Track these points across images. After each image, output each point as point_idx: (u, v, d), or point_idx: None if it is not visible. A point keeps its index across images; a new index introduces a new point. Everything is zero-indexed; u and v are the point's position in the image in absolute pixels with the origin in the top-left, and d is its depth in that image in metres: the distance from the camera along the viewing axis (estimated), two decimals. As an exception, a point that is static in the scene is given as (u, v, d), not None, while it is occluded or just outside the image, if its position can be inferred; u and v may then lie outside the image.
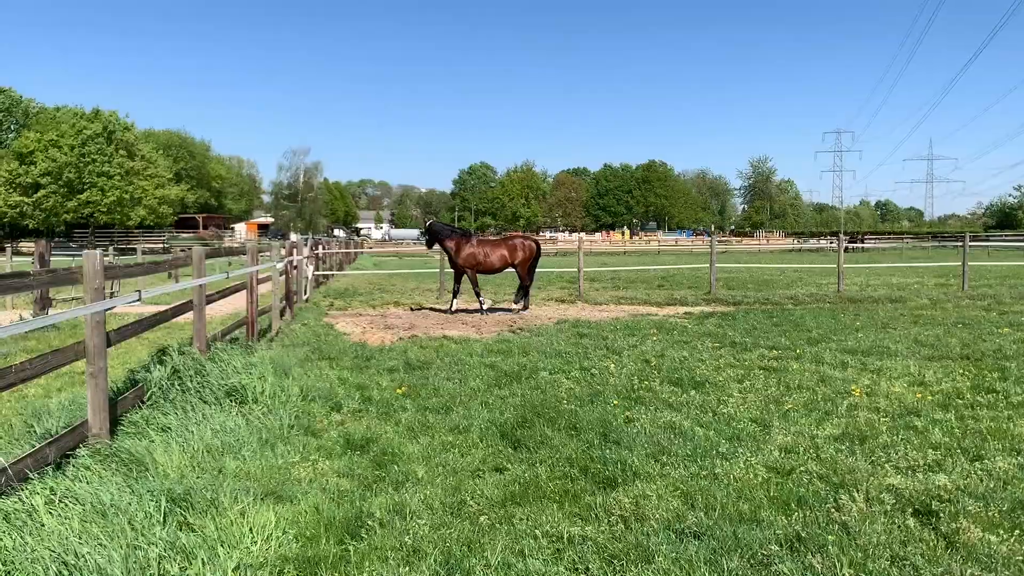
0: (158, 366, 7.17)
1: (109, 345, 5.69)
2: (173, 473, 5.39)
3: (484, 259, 17.77)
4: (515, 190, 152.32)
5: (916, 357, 10.89)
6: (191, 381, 7.32)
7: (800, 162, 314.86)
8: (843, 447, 6.41)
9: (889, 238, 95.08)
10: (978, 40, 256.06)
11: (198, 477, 5.44)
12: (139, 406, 6.56)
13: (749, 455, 6.17)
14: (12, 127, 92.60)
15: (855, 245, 71.01)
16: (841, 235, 26.69)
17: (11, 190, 78.96)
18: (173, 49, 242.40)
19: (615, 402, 8.02)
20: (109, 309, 5.77)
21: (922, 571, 4.09)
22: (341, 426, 7.37)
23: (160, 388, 6.94)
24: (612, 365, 10.24)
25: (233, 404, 7.15)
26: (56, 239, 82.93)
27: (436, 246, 18.89)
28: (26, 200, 78.68)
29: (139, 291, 5.55)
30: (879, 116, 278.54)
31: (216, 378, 7.51)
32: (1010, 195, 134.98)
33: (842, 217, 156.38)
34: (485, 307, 17.81)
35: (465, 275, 17.93)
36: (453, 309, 17.72)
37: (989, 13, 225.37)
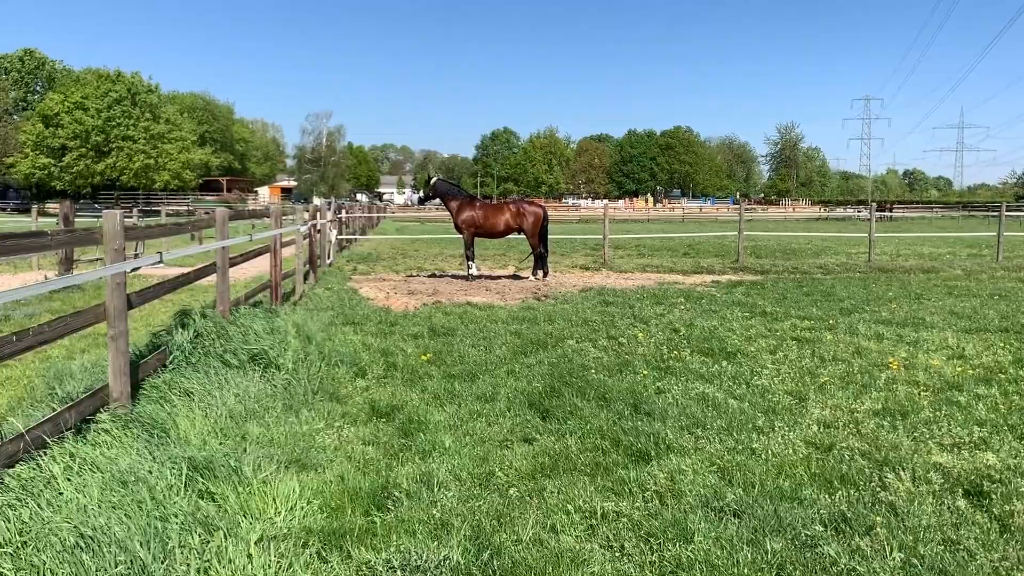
0: (180, 330, 7.04)
1: (131, 308, 5.55)
2: (195, 439, 5.26)
3: (484, 221, 17.38)
4: (538, 156, 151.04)
5: (953, 329, 10.58)
6: (213, 345, 7.19)
7: (827, 129, 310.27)
8: (884, 422, 6.17)
9: (917, 207, 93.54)
10: (1012, 6, 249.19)
11: (220, 443, 5.32)
12: (161, 370, 6.44)
13: (787, 430, 5.95)
14: (37, 89, 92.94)
15: (883, 214, 69.80)
16: (871, 204, 26.10)
17: (38, 152, 79.45)
18: (197, 10, 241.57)
19: (644, 372, 7.82)
20: (132, 271, 5.63)
21: (977, 556, 3.88)
22: (366, 392, 7.23)
23: (182, 352, 6.82)
24: (640, 334, 10.02)
25: (257, 368, 7.02)
26: (81, 200, 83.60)
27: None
28: (53, 162, 79.15)
29: (160, 252, 5.39)
30: (908, 83, 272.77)
31: (239, 342, 7.38)
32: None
33: (869, 186, 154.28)
34: (474, 273, 17.56)
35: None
36: (474, 274, 17.49)
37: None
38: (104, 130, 78.92)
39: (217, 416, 5.76)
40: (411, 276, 18.49)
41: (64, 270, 15.18)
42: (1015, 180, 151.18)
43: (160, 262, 6.62)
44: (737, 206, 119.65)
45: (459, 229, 17.55)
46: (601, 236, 22.07)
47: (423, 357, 8.64)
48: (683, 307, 12.67)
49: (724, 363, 8.36)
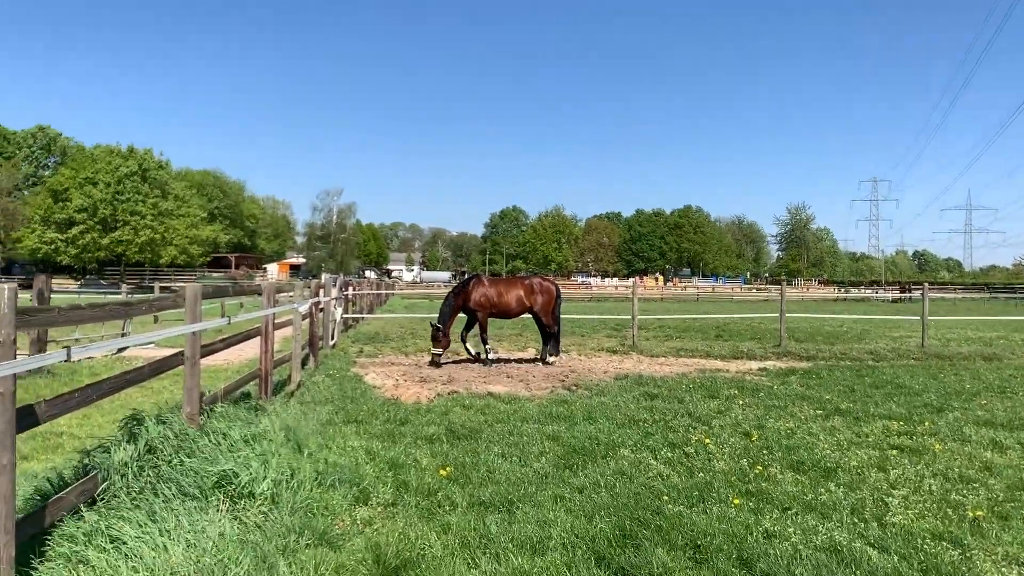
0: (125, 444, 5.29)
1: (32, 425, 3.82)
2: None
3: (498, 299, 15.73)
4: (547, 234, 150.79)
5: (1081, 435, 8.72)
6: (170, 464, 5.43)
7: (835, 210, 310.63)
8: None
9: (935, 289, 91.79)
10: (1021, 90, 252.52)
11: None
12: (86, 506, 4.65)
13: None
14: (49, 164, 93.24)
15: (903, 295, 68.05)
16: (925, 285, 24.43)
17: (46, 227, 78.88)
18: (210, 90, 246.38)
19: (735, 501, 5.98)
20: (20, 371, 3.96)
21: None
22: (369, 528, 5.42)
23: (123, 477, 5.05)
24: (708, 440, 8.18)
25: (224, 499, 5.23)
26: (87, 276, 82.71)
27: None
28: (59, 236, 78.46)
29: (67, 348, 3.75)
30: (917, 165, 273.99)
31: (204, 459, 5.61)
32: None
33: (883, 267, 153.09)
34: (492, 357, 15.76)
35: (477, 320, 15.90)
36: (491, 359, 15.72)
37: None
38: (112, 204, 78.46)
39: (152, 583, 3.97)
40: (421, 359, 16.69)
41: (36, 350, 13.48)
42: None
43: (66, 359, 4.93)
44: (748, 285, 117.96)
45: (469, 310, 15.83)
46: (621, 316, 20.41)
47: (442, 472, 6.82)
48: (742, 403, 10.83)
49: (830, 485, 6.50)
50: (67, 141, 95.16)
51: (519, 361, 16.43)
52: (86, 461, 5.28)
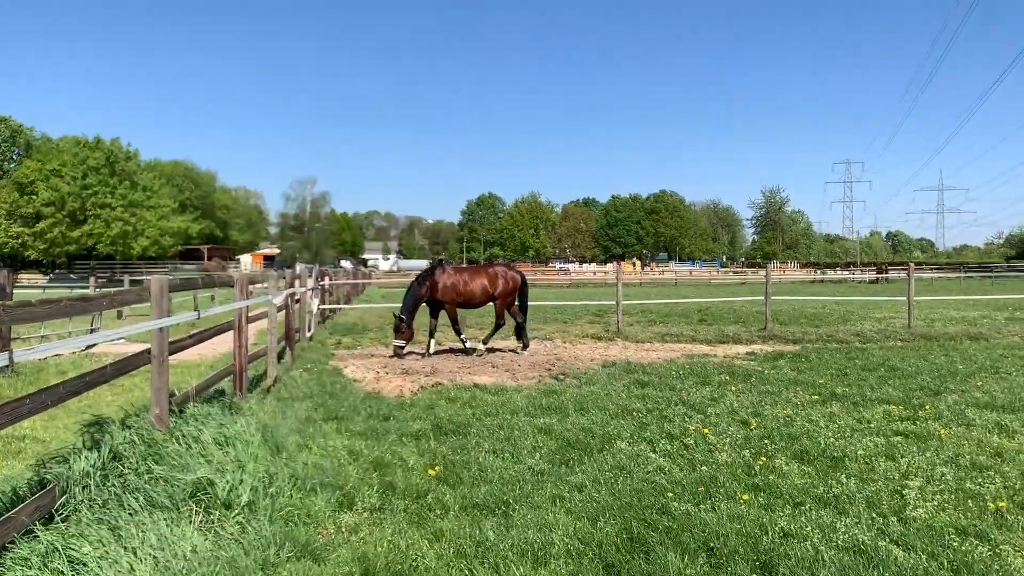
0: (86, 452, 4.84)
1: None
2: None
3: (464, 288, 15.14)
4: (524, 221, 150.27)
5: (1085, 416, 8.50)
6: (137, 472, 4.98)
7: (809, 193, 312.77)
8: None
9: (909, 269, 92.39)
10: (994, 71, 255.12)
11: None
12: (43, 524, 4.20)
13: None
14: (14, 157, 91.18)
15: (880, 276, 68.44)
16: (911, 265, 24.33)
17: (12, 221, 77.15)
18: (179, 79, 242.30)
19: (743, 496, 5.64)
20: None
21: None
22: (355, 536, 5.02)
23: (85, 489, 4.59)
24: (706, 430, 7.84)
25: (197, 509, 4.79)
26: (56, 271, 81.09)
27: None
28: (27, 231, 76.79)
29: (8, 351, 3.30)
30: (890, 146, 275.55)
31: (176, 466, 5.17)
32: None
33: (858, 248, 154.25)
34: (471, 346, 15.33)
35: (444, 311, 15.37)
36: (469, 347, 15.23)
37: (1004, 44, 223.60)
38: (80, 196, 76.86)
39: (115, 612, 3.54)
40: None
41: (-4, 350, 12.87)
42: (1002, 240, 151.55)
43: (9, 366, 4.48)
44: (725, 269, 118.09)
45: (436, 302, 15.32)
46: (603, 301, 20.07)
47: (431, 472, 6.43)
48: (735, 389, 10.52)
49: (840, 477, 6.18)
50: (31, 132, 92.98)
51: (503, 351, 16.02)
52: (43, 472, 4.81)
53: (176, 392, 7.87)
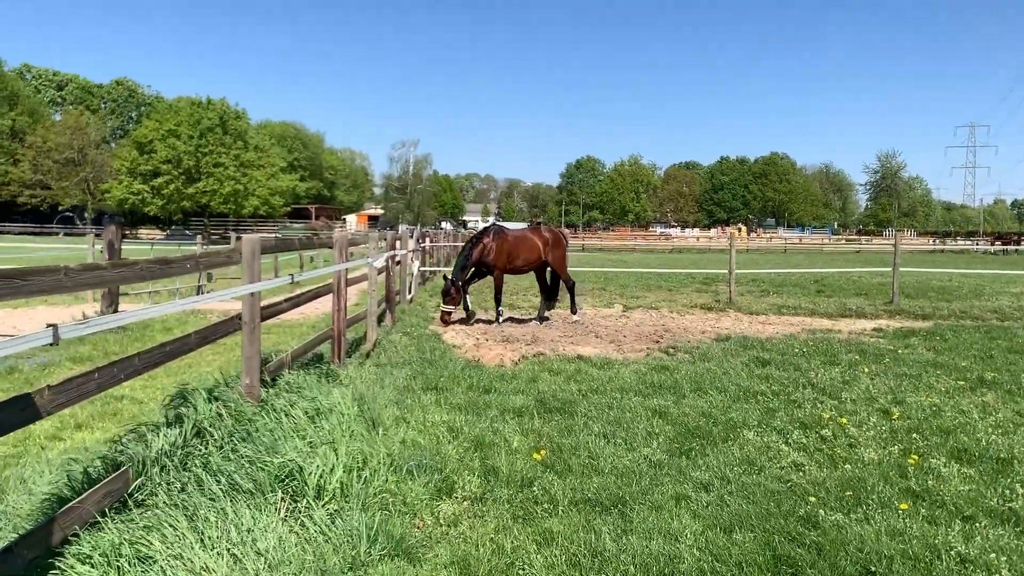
0: (165, 429, 4.47)
1: (30, 420, 2.97)
2: None
3: (517, 253, 14.36)
4: (624, 184, 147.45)
5: None
6: (221, 451, 4.59)
7: (927, 158, 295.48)
8: None
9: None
10: None
11: None
12: (113, 511, 3.82)
13: None
14: (132, 117, 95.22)
15: (1009, 247, 63.85)
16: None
17: (133, 178, 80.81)
18: (291, 43, 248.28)
19: (902, 505, 4.84)
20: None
21: None
22: (454, 531, 4.51)
23: (163, 470, 4.22)
24: (844, 420, 6.99)
25: (284, 497, 4.36)
26: (173, 227, 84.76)
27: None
28: (145, 187, 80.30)
29: (54, 326, 2.88)
30: (1018, 110, 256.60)
31: (264, 445, 4.76)
32: None
33: (981, 216, 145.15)
34: (502, 318, 14.57)
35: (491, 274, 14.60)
36: (502, 320, 14.55)
37: None
38: (196, 155, 79.76)
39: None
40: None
41: (106, 306, 13.07)
42: None
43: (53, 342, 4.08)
44: (837, 236, 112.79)
45: (488, 265, 14.48)
46: (709, 269, 19.02)
47: (536, 456, 5.86)
48: (867, 370, 9.53)
49: (1014, 485, 5.27)
50: (145, 92, 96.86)
51: (605, 320, 15.30)
52: (117, 455, 4.46)
53: (273, 356, 7.57)
